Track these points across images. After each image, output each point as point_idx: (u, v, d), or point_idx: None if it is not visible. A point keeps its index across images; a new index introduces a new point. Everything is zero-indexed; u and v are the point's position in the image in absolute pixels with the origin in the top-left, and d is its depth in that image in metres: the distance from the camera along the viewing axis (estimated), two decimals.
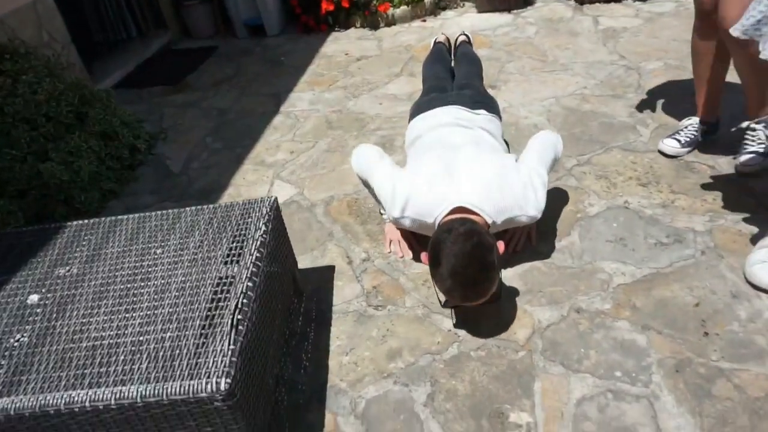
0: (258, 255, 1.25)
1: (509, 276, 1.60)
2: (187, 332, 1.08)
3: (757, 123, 1.74)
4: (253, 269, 1.21)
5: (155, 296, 1.19)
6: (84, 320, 1.15)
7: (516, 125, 2.31)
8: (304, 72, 3.12)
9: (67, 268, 1.32)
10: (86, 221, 1.47)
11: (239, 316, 1.09)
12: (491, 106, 1.81)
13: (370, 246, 1.79)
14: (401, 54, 3.17)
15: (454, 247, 1.29)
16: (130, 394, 0.98)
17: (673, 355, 1.32)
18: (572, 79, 2.60)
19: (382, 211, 1.80)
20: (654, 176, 1.91)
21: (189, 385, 0.97)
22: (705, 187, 1.83)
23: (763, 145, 1.78)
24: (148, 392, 0.98)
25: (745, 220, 1.67)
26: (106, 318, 1.15)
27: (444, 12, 3.65)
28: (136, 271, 1.27)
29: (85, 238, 1.41)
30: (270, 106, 2.80)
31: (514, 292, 1.54)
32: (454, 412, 1.26)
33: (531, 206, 1.47)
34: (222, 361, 1.01)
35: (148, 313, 1.15)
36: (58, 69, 2.29)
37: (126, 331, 1.11)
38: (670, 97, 2.32)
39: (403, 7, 3.54)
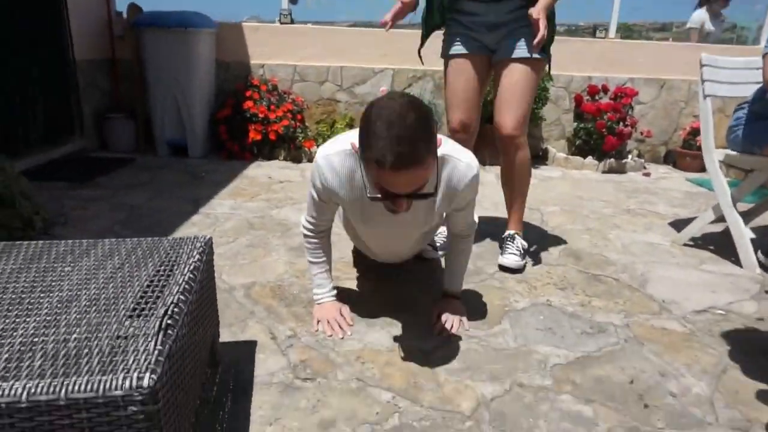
0: (191, 276, 1.10)
1: (447, 355, 1.52)
2: (99, 335, 0.88)
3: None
4: (186, 286, 1.05)
5: (59, 305, 0.98)
6: None
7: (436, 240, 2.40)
8: (225, 186, 3.11)
9: None
10: None
11: (169, 321, 0.92)
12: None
13: (296, 325, 1.65)
14: None
15: (390, 102, 1.17)
16: (13, 392, 0.74)
17: (621, 424, 1.27)
18: (487, 214, 2.83)
19: (313, 291, 1.70)
20: (569, 283, 2.03)
21: (98, 381, 0.76)
22: (614, 293, 1.96)
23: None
24: (39, 389, 0.75)
25: (654, 317, 1.79)
26: None
27: None
28: (35, 285, 1.05)
29: None
30: (188, 207, 2.70)
31: (453, 369, 1.45)
32: None
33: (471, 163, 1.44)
34: (146, 359, 0.81)
35: (48, 318, 0.93)
36: None
37: (14, 333, 0.88)
38: (568, 229, 2.58)
39: None
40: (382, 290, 1.91)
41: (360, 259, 2.14)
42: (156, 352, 0.83)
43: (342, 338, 1.58)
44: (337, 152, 1.42)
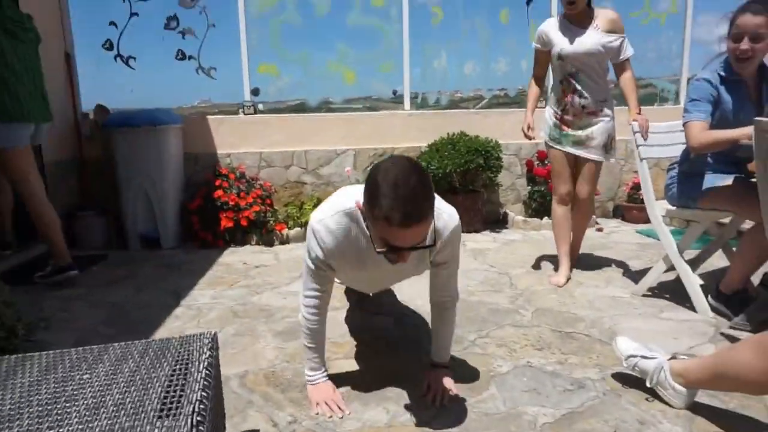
0: (207, 372, 1.17)
1: (444, 424, 1.60)
2: None
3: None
4: (204, 383, 1.13)
5: (87, 413, 1.03)
6: None
7: (418, 310, 2.52)
8: (203, 275, 3.16)
9: None
10: None
11: (198, 418, 0.99)
12: None
13: (294, 411, 1.70)
14: (298, 263, 3.39)
15: (394, 165, 1.31)
16: None
17: None
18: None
19: (307, 373, 1.77)
20: (545, 343, 2.16)
21: None
22: (587, 349, 2.10)
23: None
24: None
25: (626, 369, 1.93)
26: None
27: None
28: (58, 395, 1.10)
29: None
30: (169, 300, 2.73)
31: None
32: None
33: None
34: None
35: (80, 427, 0.99)
36: None
37: None
38: (536, 290, 2.75)
39: (297, 229, 3.91)
40: (372, 367, 1.99)
41: (349, 335, 2.23)
42: None
43: (341, 417, 1.64)
44: (331, 215, 1.56)
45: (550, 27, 2.83)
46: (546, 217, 4.32)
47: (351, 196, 1.56)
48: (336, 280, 1.79)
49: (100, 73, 4.32)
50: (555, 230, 3.04)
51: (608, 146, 2.89)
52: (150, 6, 4.25)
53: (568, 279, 2.95)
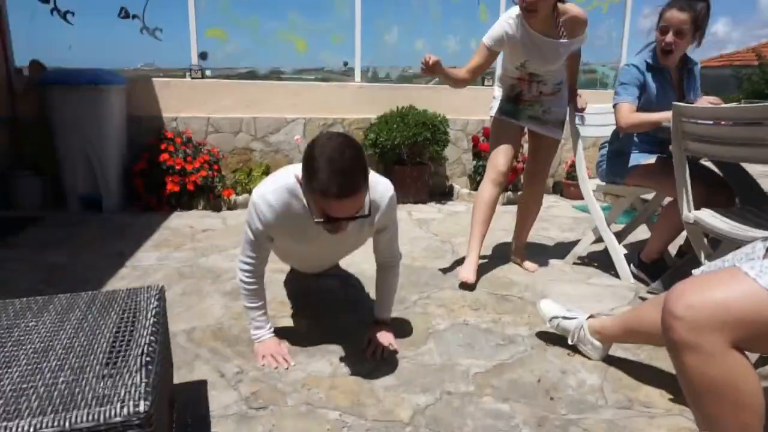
0: (155, 320, 1.21)
1: (383, 374, 1.71)
2: (85, 375, 0.98)
3: None
4: (152, 329, 1.17)
5: (35, 355, 1.06)
6: None
7: (362, 274, 2.60)
8: (148, 239, 3.12)
9: None
10: None
11: (147, 359, 1.04)
12: None
13: (241, 363, 1.76)
14: None
15: (330, 141, 1.39)
16: (19, 429, 0.84)
17: (533, 415, 1.52)
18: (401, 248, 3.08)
19: (252, 333, 1.83)
20: (481, 304, 2.30)
21: (98, 412, 0.88)
22: (520, 309, 2.26)
23: None
24: (44, 424, 0.85)
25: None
26: None
27: None
28: (4, 340, 1.12)
29: None
30: (113, 261, 2.70)
31: (390, 386, 1.64)
32: None
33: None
34: (136, 390, 0.93)
35: (29, 367, 1.01)
36: None
37: (1, 383, 0.96)
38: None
39: (245, 195, 3.90)
40: (317, 325, 2.06)
41: (293, 294, 2.29)
42: (143, 383, 0.96)
43: (287, 369, 1.72)
44: (272, 190, 1.62)
45: (510, 30, 2.35)
46: None
47: (290, 172, 1.63)
48: (282, 261, 1.84)
49: (34, 27, 4.08)
50: (476, 212, 2.60)
51: (563, 122, 2.69)
52: None
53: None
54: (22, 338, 1.13)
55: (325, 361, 1.79)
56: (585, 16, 2.41)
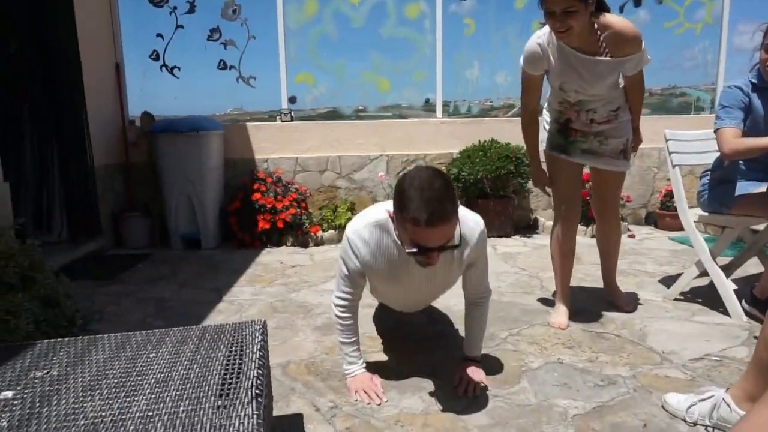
0: (261, 354, 1.28)
1: (476, 413, 1.67)
2: (201, 406, 1.05)
3: None
4: (259, 362, 1.23)
5: (156, 385, 1.15)
6: (76, 406, 1.07)
7: (449, 309, 2.59)
8: (242, 274, 3.30)
9: (45, 371, 1.23)
10: (58, 339, 1.41)
11: (257, 391, 1.09)
12: None
13: (335, 397, 1.80)
14: (333, 263, 3.51)
15: (419, 172, 1.46)
16: None
17: None
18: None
19: (345, 368, 1.86)
20: (575, 342, 2.21)
21: None
22: (618, 348, 2.15)
23: None
24: None
25: (656, 367, 1.97)
26: (103, 403, 1.08)
27: None
28: (130, 370, 1.22)
29: (61, 350, 1.34)
30: (212, 296, 2.87)
31: (483, 426, 1.61)
32: None
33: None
34: (249, 422, 0.99)
35: (152, 396, 1.10)
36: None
37: (130, 409, 1.05)
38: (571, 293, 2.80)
39: (331, 231, 4.03)
40: (407, 360, 2.07)
41: (382, 329, 2.32)
42: (255, 415, 1.01)
43: (379, 404, 1.73)
44: (365, 226, 1.69)
45: (542, 47, 2.13)
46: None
47: (382, 208, 1.70)
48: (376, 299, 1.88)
49: (146, 82, 4.55)
50: (554, 256, 2.51)
51: (626, 151, 2.37)
52: (194, 19, 4.46)
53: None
54: (144, 369, 1.23)
55: (417, 397, 1.78)
56: (633, 32, 2.05)
